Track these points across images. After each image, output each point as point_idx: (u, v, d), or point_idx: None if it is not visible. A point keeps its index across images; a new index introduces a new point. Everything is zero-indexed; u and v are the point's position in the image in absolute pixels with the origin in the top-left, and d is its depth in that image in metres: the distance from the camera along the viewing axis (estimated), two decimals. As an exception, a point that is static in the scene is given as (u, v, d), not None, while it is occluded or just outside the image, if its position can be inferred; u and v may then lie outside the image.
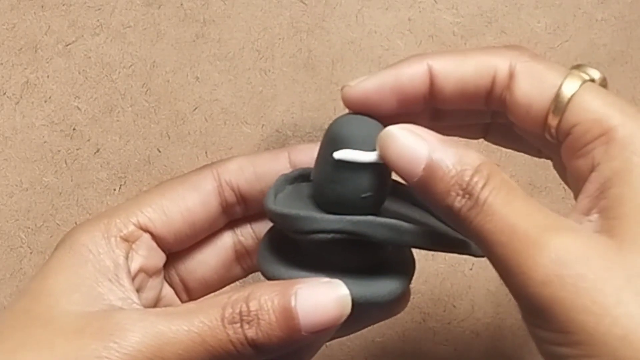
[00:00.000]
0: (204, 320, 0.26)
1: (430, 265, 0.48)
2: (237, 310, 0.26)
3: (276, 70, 0.46)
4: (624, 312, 0.22)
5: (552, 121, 0.27)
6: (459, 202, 0.25)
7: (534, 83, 0.27)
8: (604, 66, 0.47)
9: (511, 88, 0.28)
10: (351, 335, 0.49)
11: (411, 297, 0.32)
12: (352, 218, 0.27)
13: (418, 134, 0.26)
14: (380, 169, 0.28)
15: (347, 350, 0.49)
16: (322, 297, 0.26)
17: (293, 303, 0.26)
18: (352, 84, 0.29)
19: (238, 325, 0.26)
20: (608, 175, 0.25)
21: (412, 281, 0.31)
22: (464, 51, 0.29)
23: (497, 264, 0.25)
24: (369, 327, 0.47)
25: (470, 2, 0.45)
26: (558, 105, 0.27)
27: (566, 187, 0.45)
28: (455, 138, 0.33)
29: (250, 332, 0.26)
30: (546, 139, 0.29)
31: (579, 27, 0.46)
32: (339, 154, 0.28)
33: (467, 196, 0.25)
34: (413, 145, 0.26)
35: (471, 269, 0.48)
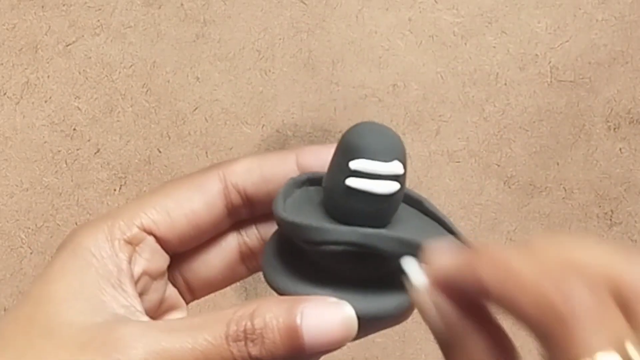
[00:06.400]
0: (207, 337, 0.25)
1: (431, 266, 0.48)
2: (242, 328, 0.25)
3: (276, 71, 0.46)
4: None
5: None
6: None
7: None
8: (604, 66, 0.47)
9: None
10: (351, 336, 0.49)
11: (412, 297, 0.32)
12: (364, 231, 0.27)
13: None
14: (396, 181, 0.28)
15: (347, 351, 0.49)
16: (328, 317, 0.26)
17: (299, 322, 0.25)
18: None
19: (242, 343, 0.25)
20: None
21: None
22: None
23: None
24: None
25: (471, 2, 0.45)
26: None
27: (566, 187, 0.45)
28: None
29: (254, 351, 0.25)
30: None
31: (579, 27, 0.46)
32: (355, 164, 0.27)
33: None
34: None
35: (471, 269, 0.48)
